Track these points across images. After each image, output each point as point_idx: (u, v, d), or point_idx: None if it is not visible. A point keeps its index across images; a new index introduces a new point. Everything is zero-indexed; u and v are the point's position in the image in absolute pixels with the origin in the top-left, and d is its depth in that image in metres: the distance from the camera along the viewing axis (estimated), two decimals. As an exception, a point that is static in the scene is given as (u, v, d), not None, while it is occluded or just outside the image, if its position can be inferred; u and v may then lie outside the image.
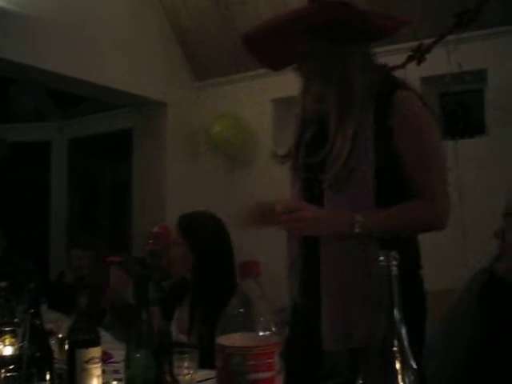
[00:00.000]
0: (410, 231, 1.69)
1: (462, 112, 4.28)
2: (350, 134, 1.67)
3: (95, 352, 1.44)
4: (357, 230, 1.60)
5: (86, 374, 1.42)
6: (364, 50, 1.78)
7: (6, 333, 1.85)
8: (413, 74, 4.01)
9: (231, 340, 1.01)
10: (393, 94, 1.69)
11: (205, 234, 2.48)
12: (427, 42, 3.71)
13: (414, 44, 3.80)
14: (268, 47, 1.87)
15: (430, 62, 3.77)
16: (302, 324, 1.87)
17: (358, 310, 1.65)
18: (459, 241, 3.91)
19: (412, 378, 0.85)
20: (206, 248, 2.43)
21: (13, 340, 1.82)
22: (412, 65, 3.84)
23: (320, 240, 1.73)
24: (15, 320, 2.17)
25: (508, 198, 1.34)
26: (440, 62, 3.66)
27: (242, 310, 1.04)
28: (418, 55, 3.73)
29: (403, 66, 3.90)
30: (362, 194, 1.67)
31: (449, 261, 3.92)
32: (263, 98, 5.12)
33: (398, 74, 3.97)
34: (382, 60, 4.37)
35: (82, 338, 1.44)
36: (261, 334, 1.02)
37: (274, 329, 1.04)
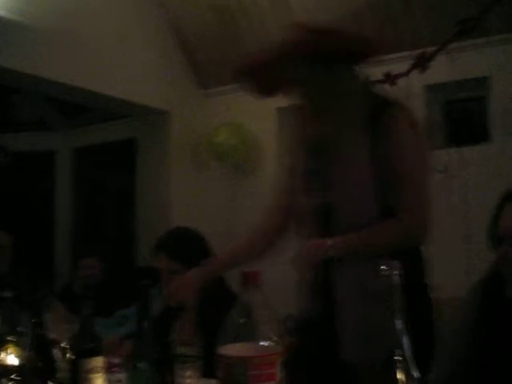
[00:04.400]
0: (386, 248, 1.70)
1: (466, 119, 4.28)
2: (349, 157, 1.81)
3: (98, 361, 1.44)
4: (330, 253, 1.75)
5: (88, 383, 1.41)
6: (350, 71, 1.86)
7: (8, 342, 1.85)
8: (416, 82, 4.02)
9: (232, 350, 1.01)
10: (382, 111, 1.78)
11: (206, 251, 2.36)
12: (430, 49, 3.72)
13: (417, 52, 3.80)
14: (260, 77, 1.96)
15: (433, 70, 3.77)
16: (314, 335, 1.88)
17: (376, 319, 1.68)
18: (463, 247, 3.91)
19: (415, 387, 0.84)
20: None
21: (16, 349, 1.82)
22: (415, 73, 3.84)
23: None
24: (18, 329, 2.17)
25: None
26: (443, 69, 3.66)
27: (243, 320, 1.03)
28: (422, 63, 3.73)
29: (407, 73, 3.91)
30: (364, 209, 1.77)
31: (452, 268, 3.90)
32: (268, 107, 5.10)
33: (401, 81, 4.03)
34: (385, 68, 4.37)
35: (85, 348, 1.44)
36: (262, 343, 1.02)
37: (275, 338, 1.03)
